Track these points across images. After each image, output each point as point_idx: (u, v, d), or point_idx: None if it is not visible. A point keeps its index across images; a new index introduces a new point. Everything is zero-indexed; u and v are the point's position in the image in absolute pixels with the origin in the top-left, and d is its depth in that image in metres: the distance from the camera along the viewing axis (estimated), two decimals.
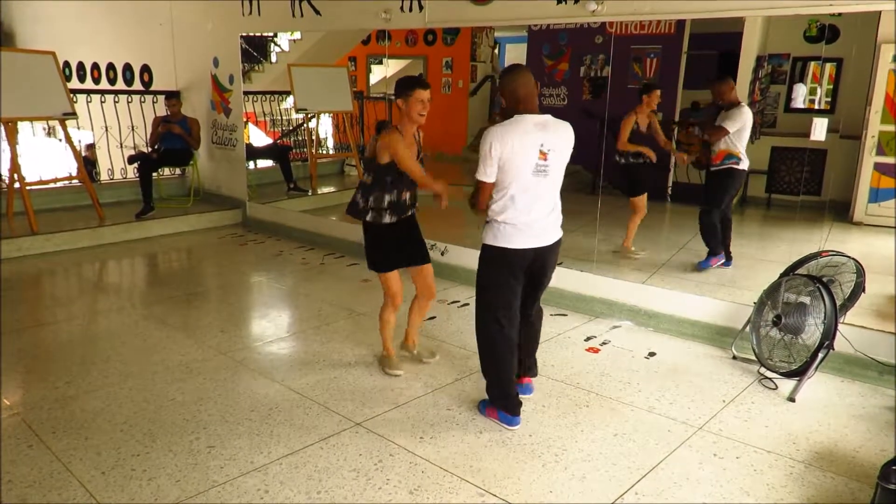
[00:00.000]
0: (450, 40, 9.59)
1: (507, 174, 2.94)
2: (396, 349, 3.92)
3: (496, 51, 10.19)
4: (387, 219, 3.49)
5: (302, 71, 8.00)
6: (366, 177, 3.51)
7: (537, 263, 3.11)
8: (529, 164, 2.92)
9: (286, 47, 9.49)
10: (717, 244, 5.24)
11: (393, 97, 3.48)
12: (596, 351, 4.13)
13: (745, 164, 5.13)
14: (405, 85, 3.37)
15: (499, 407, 3.21)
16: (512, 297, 3.13)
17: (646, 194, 5.64)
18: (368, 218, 3.50)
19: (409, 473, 2.80)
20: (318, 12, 6.34)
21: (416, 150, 3.51)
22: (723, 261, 5.28)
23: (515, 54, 9.84)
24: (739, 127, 4.98)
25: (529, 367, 3.49)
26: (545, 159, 2.93)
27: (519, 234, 3.00)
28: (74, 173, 6.85)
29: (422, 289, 3.77)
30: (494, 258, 3.08)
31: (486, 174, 2.97)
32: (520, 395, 3.25)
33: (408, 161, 3.36)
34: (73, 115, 6.74)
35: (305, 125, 8.80)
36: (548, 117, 3.00)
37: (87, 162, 8.40)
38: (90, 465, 2.82)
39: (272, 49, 9.79)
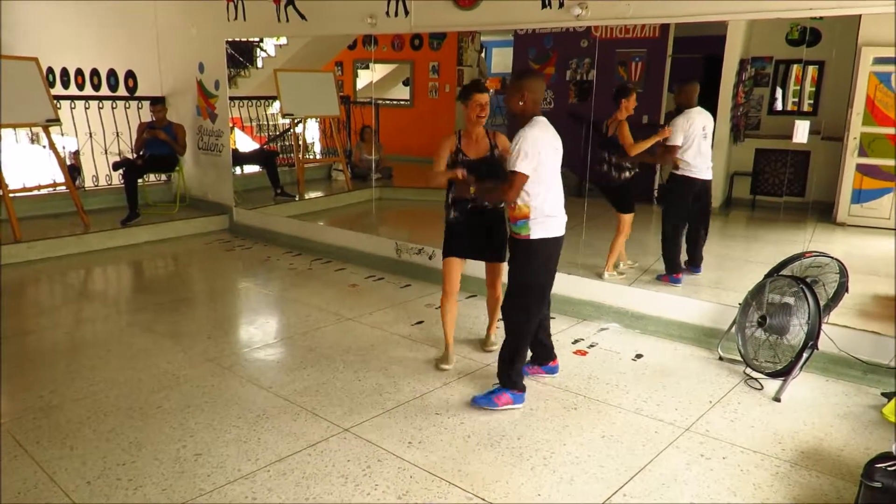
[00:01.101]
0: (436, 45, 9.62)
1: (544, 169, 3.23)
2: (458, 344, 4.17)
3: (482, 55, 10.23)
4: (451, 214, 3.83)
5: (288, 76, 7.98)
6: None
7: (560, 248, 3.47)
8: (557, 159, 3.32)
9: (272, 52, 9.48)
10: (672, 261, 5.04)
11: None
12: (584, 353, 4.15)
13: (692, 171, 4.91)
14: (465, 90, 3.73)
15: (518, 390, 3.44)
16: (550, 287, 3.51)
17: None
18: (449, 216, 3.87)
19: (398, 479, 2.79)
20: (303, 17, 6.33)
21: (483, 148, 3.76)
22: (677, 284, 4.99)
23: (501, 58, 9.88)
24: (682, 135, 4.84)
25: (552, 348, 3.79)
26: (558, 154, 3.34)
27: (558, 223, 3.35)
28: (59, 180, 6.79)
29: (488, 283, 4.06)
30: (545, 249, 3.34)
31: (525, 167, 3.17)
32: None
33: (435, 164, 3.77)
34: (57, 121, 6.68)
35: (292, 130, 8.78)
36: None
37: (73, 169, 8.33)
38: (75, 474, 2.80)
39: (258, 54, 9.76)
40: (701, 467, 2.90)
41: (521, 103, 3.24)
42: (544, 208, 3.27)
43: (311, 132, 9.58)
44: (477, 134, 3.78)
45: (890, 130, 5.19)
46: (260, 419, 3.28)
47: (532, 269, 3.35)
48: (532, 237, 3.29)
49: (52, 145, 6.71)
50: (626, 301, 4.65)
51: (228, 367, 3.89)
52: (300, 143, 8.53)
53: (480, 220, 3.81)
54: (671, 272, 5.07)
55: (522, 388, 3.44)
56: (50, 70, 10.17)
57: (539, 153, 3.18)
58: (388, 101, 10.33)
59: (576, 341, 4.33)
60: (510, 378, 3.42)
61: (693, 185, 4.97)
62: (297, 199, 8.20)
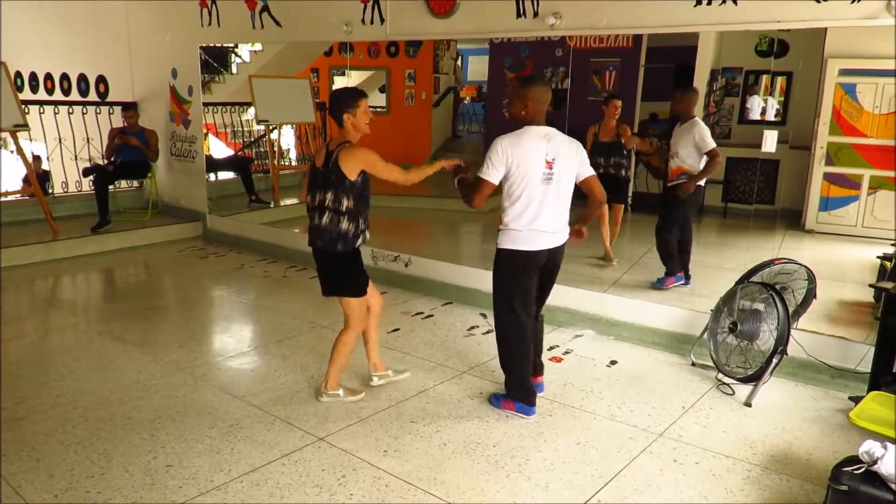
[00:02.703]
0: (412, 52, 9.63)
1: (519, 183, 3.16)
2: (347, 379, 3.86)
3: (458, 63, 10.28)
4: (368, 235, 3.37)
5: (263, 82, 7.93)
6: (347, 202, 3.22)
7: (549, 263, 3.37)
8: (538, 172, 3.15)
9: (247, 58, 9.41)
10: (674, 264, 5.12)
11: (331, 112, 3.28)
12: (559, 360, 4.17)
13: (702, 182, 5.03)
14: (351, 96, 3.23)
15: (517, 399, 3.41)
16: (529, 294, 3.35)
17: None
18: (358, 244, 3.32)
19: (373, 488, 2.78)
20: (278, 24, 6.30)
21: None
22: (681, 281, 5.12)
23: (477, 66, 9.93)
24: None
25: (540, 366, 3.66)
26: (550, 168, 3.17)
27: (536, 237, 3.24)
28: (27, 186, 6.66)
29: (374, 304, 3.63)
30: (512, 261, 3.29)
31: (491, 175, 3.15)
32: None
33: (391, 171, 3.27)
34: (25, 126, 6.56)
35: (267, 136, 8.72)
36: (552, 129, 3.24)
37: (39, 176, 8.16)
38: (42, 488, 2.73)
39: (233, 60, 9.68)
40: (674, 472, 2.93)
41: (523, 112, 3.18)
42: (515, 223, 3.22)
43: (287, 138, 9.52)
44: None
45: (855, 140, 5.32)
46: (233, 429, 3.24)
47: (498, 276, 3.37)
48: (498, 246, 3.33)
49: (19, 151, 6.58)
50: (600, 308, 4.69)
51: (201, 377, 3.83)
52: (275, 149, 8.47)
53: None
54: (673, 273, 5.12)
55: (527, 402, 3.39)
56: (18, 74, 9.99)
57: (512, 165, 3.12)
58: None
59: (551, 348, 4.35)
60: (507, 386, 3.46)
61: (698, 192, 5.10)
62: (272, 205, 8.14)
